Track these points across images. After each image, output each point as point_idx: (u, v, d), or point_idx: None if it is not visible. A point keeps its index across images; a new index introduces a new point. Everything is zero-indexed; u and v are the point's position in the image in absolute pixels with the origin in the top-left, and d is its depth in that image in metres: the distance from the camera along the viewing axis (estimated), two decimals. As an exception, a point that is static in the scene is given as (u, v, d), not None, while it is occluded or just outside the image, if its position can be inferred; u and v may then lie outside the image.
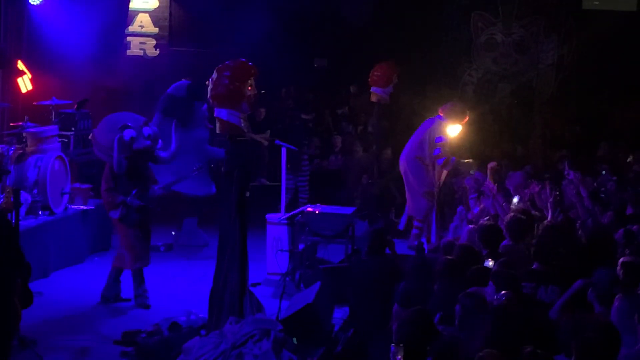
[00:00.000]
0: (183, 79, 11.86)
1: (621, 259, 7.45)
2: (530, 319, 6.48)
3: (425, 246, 11.34)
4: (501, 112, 18.00)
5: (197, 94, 8.94)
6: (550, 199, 10.30)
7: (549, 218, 9.53)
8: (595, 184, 11.33)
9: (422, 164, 11.80)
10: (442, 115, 11.86)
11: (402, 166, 12.19)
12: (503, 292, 6.69)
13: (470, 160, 12.31)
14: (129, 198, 9.93)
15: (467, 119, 11.80)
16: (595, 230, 9.01)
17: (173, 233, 13.33)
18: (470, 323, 6.27)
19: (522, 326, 6.37)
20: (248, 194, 8.91)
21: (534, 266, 7.75)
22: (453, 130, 11.64)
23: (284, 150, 11.66)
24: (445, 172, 12.02)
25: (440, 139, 11.61)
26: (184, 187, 9.72)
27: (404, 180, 12.34)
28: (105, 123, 10.21)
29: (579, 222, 9.58)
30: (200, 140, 9.11)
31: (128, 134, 9.78)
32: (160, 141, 10.11)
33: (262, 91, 8.93)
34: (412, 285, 7.85)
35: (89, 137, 10.22)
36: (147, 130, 9.92)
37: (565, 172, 11.08)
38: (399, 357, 5.57)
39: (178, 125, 9.93)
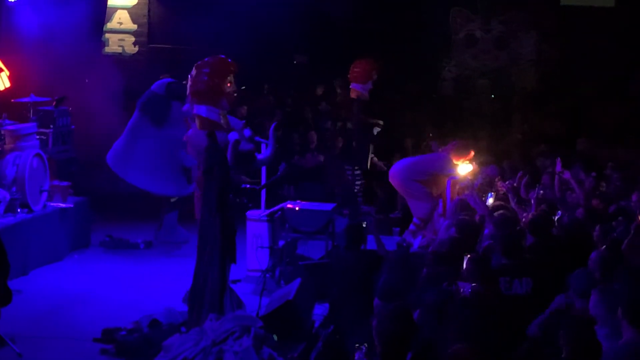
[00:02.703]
0: (165, 76, 11.78)
1: (600, 254, 7.53)
2: (500, 311, 6.57)
3: (418, 241, 11.33)
4: (481, 107, 18.06)
5: (175, 93, 8.80)
6: (534, 195, 10.39)
7: (531, 213, 9.60)
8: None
9: (422, 185, 11.76)
10: (448, 152, 11.80)
11: (394, 182, 12.10)
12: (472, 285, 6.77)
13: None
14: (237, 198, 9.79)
15: (472, 155, 11.81)
16: (572, 226, 9.08)
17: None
18: (434, 319, 6.31)
19: (492, 318, 6.46)
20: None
21: (503, 261, 7.82)
22: (463, 169, 11.65)
23: (263, 147, 11.66)
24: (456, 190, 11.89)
25: (451, 170, 11.60)
26: (156, 186, 9.55)
27: (399, 191, 12.32)
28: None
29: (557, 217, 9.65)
30: (175, 140, 8.92)
31: (232, 136, 9.45)
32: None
33: (243, 87, 8.89)
34: (393, 280, 7.89)
35: (183, 139, 9.91)
36: (247, 133, 9.62)
37: (559, 169, 11.16)
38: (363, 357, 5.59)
39: (152, 126, 9.66)
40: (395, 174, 12.03)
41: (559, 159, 11.63)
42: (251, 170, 10.15)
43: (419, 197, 11.74)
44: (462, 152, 11.71)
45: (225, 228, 8.89)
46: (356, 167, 14.43)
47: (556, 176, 11.13)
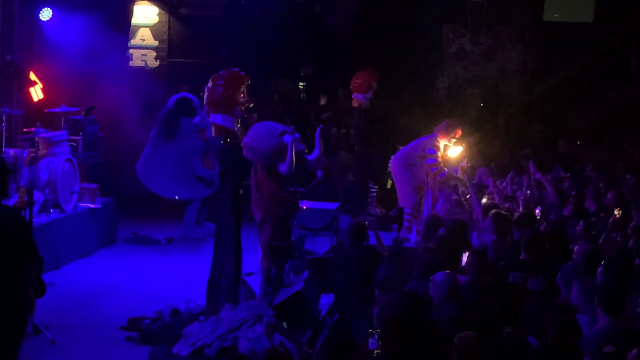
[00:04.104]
0: (184, 89, 11.66)
1: (579, 247, 7.49)
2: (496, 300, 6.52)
3: (413, 235, 11.25)
4: (471, 114, 18.03)
5: (183, 107, 8.74)
6: (522, 196, 10.36)
7: (519, 211, 9.56)
8: (549, 178, 11.42)
9: (412, 171, 11.61)
10: (436, 133, 11.58)
11: (393, 167, 12.00)
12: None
13: (464, 177, 11.85)
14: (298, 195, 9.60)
15: (458, 133, 11.50)
16: (555, 223, 9.05)
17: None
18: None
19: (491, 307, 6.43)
20: (242, 191, 8.90)
21: (522, 257, 7.70)
22: (454, 151, 11.41)
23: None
24: (437, 179, 11.64)
25: (431, 151, 11.35)
26: (173, 192, 9.44)
27: (394, 177, 12.19)
28: (258, 131, 9.53)
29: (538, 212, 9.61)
30: (187, 149, 8.83)
31: (287, 139, 9.28)
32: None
33: (251, 104, 8.85)
34: (390, 273, 7.88)
35: (241, 144, 9.74)
36: (297, 135, 9.46)
37: (532, 171, 11.14)
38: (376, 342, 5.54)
39: (165, 137, 9.42)
40: (393, 162, 11.95)
41: (531, 161, 11.63)
42: (302, 171, 10.03)
43: (409, 188, 11.60)
44: (448, 130, 11.37)
45: (239, 225, 8.85)
46: (375, 184, 14.37)
47: (532, 177, 11.13)
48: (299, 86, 19.31)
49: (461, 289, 6.76)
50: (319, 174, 11.44)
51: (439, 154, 11.20)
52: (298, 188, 10.87)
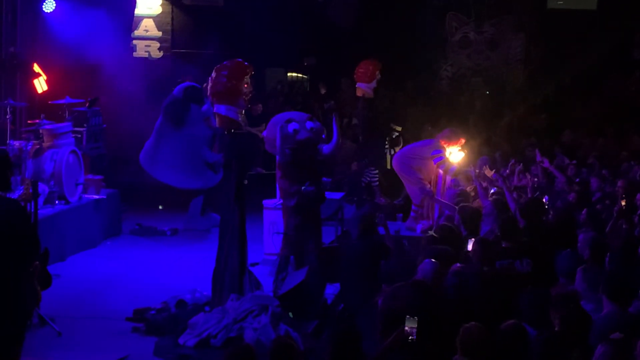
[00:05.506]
0: (186, 80, 11.67)
1: (583, 235, 7.45)
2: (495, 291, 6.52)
3: (420, 226, 11.21)
4: (474, 103, 17.98)
5: (192, 96, 8.73)
6: (530, 184, 10.31)
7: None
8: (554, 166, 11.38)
9: (414, 169, 11.54)
10: (440, 139, 11.47)
11: (395, 167, 11.93)
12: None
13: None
14: (303, 187, 9.49)
15: (462, 141, 11.41)
16: (562, 210, 9.01)
17: (160, 207, 13.35)
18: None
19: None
20: (246, 182, 8.89)
21: (502, 244, 7.71)
22: (456, 156, 11.31)
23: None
24: (446, 176, 11.53)
25: (436, 152, 11.24)
26: (181, 182, 9.41)
27: (399, 176, 12.13)
28: (272, 122, 9.67)
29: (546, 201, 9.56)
30: (195, 138, 8.81)
31: (292, 126, 9.28)
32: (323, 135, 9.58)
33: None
34: (392, 264, 7.86)
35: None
36: (309, 124, 9.41)
37: (539, 159, 11.08)
38: (413, 328, 5.46)
39: (173, 127, 9.35)
40: (395, 160, 11.90)
41: (537, 150, 11.56)
42: (317, 159, 9.87)
43: (414, 183, 11.55)
44: (451, 138, 11.30)
45: (243, 215, 8.84)
46: (375, 168, 14.29)
47: (539, 165, 11.08)
48: (288, 74, 19.23)
49: (463, 276, 6.73)
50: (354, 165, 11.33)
51: (444, 153, 11.14)
52: (322, 178, 10.79)
